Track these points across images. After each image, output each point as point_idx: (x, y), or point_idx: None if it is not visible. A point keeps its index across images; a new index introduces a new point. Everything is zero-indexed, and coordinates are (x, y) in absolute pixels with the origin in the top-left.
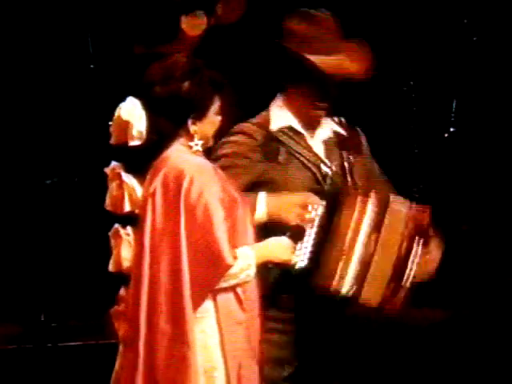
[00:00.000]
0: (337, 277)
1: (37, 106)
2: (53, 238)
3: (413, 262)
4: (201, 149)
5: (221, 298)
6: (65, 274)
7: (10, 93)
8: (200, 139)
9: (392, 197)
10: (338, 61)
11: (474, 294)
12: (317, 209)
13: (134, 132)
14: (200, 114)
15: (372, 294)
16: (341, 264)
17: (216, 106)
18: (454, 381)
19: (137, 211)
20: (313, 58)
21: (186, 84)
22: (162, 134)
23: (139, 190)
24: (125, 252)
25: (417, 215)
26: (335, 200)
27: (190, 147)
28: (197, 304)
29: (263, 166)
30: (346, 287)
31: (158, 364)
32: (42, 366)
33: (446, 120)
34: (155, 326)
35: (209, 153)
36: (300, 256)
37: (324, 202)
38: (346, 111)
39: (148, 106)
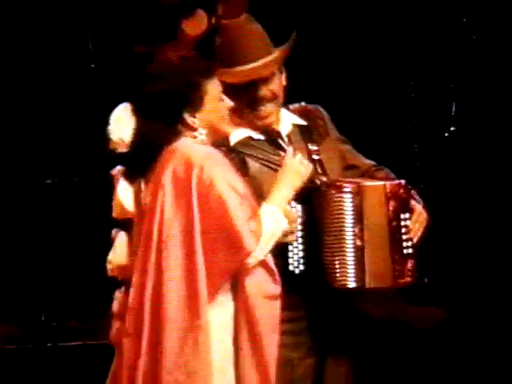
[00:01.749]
0: (338, 273)
1: (37, 105)
2: (53, 238)
3: (406, 230)
4: (205, 138)
5: (250, 274)
6: (65, 274)
7: (11, 92)
8: (206, 128)
9: (365, 180)
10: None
11: (474, 294)
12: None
13: (115, 139)
14: (195, 105)
15: (377, 277)
16: (337, 260)
17: (215, 92)
18: (454, 380)
19: (129, 216)
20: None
21: (173, 80)
22: (159, 134)
23: (127, 201)
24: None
25: (394, 190)
26: (311, 198)
27: (195, 137)
28: (213, 292)
29: None
30: (352, 280)
31: (168, 353)
32: (42, 366)
33: (446, 119)
34: (164, 316)
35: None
36: (295, 263)
37: (299, 205)
38: (344, 111)
39: (141, 109)
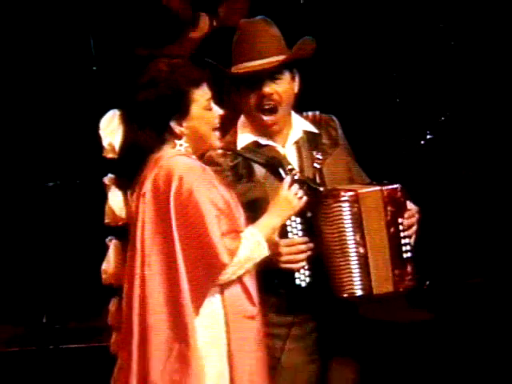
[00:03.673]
0: (345, 283)
1: (39, 108)
2: (54, 241)
3: (404, 235)
4: (183, 149)
5: (227, 292)
6: (67, 276)
7: (13, 95)
8: (193, 137)
9: (361, 186)
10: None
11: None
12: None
13: (105, 144)
14: (182, 113)
15: (382, 283)
16: (343, 270)
17: (203, 100)
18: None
19: (121, 223)
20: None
21: (162, 88)
22: (147, 142)
23: (118, 207)
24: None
25: (391, 195)
26: (310, 210)
27: (181, 145)
28: (197, 303)
29: (241, 188)
30: (359, 288)
31: (154, 365)
32: (44, 368)
33: (422, 127)
34: (149, 327)
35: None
36: (301, 276)
37: (299, 218)
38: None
39: (130, 116)
